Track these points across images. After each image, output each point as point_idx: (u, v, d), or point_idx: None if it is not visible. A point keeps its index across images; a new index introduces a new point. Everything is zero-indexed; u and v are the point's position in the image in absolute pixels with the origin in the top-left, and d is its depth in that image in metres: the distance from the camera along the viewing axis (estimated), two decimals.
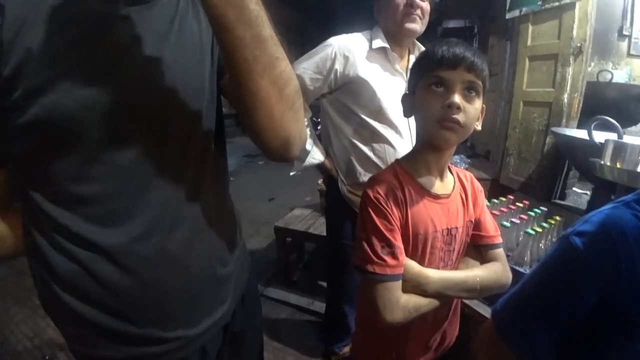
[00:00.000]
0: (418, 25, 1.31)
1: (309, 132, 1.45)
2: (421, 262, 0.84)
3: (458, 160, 2.93)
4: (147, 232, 0.63)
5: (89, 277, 0.61)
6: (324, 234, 1.94)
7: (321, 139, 1.60)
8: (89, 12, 0.55)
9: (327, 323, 2.09)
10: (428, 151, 0.84)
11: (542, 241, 1.14)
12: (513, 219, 1.14)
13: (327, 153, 1.54)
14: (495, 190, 2.46)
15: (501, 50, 3.60)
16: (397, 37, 1.36)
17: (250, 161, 7.28)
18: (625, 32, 2.42)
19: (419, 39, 1.46)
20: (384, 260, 0.77)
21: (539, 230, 1.08)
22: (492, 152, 3.33)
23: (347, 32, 1.43)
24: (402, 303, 0.78)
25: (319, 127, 1.69)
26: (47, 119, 0.53)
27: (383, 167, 1.35)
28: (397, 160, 0.90)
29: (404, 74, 1.39)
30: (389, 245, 0.78)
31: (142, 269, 0.64)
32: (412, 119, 0.89)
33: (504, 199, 1.37)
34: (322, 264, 2.28)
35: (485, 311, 1.07)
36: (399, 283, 0.79)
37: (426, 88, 0.78)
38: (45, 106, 0.52)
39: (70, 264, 0.61)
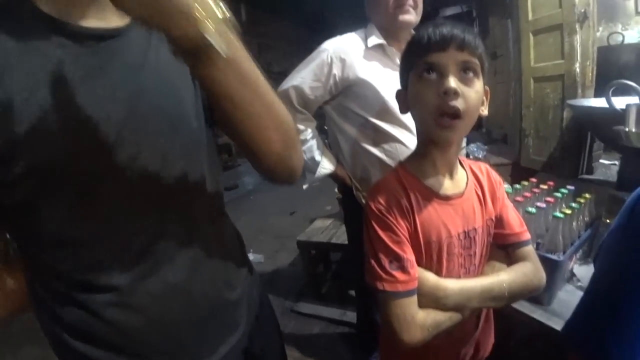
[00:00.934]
0: (412, 16, 1.26)
1: (316, 142, 1.43)
2: (438, 272, 0.76)
3: (475, 149, 2.84)
4: (150, 267, 0.62)
5: (96, 320, 0.60)
6: (347, 242, 1.89)
7: (330, 147, 1.56)
8: (60, 56, 0.53)
9: (360, 334, 2.03)
10: (432, 148, 0.75)
11: (574, 222, 1.06)
12: (539, 204, 1.06)
13: (337, 160, 1.51)
14: (517, 173, 2.37)
15: (503, 30, 3.51)
16: (392, 31, 1.31)
17: None
18: None
19: (417, 28, 1.40)
20: (394, 276, 0.70)
21: (568, 212, 1.00)
22: (509, 135, 3.22)
23: (344, 32, 1.39)
24: (419, 321, 0.70)
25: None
26: (35, 168, 0.51)
27: (388, 165, 1.31)
28: (400, 163, 0.82)
29: None
30: (397, 259, 0.71)
31: (149, 305, 0.63)
32: None
33: (526, 183, 1.29)
34: (351, 273, 2.23)
35: (530, 309, 0.98)
36: (414, 299, 0.71)
37: (418, 77, 0.70)
38: (30, 156, 0.50)
39: (77, 311, 0.60)
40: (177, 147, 0.64)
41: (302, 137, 1.37)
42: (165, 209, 0.63)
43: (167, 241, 0.63)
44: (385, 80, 1.30)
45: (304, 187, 1.56)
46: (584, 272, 1.09)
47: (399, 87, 1.30)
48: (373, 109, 1.30)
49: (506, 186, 2.04)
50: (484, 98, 0.74)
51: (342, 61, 1.30)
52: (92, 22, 0.57)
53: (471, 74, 0.68)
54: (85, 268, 0.59)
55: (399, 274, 0.70)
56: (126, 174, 0.58)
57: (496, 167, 2.76)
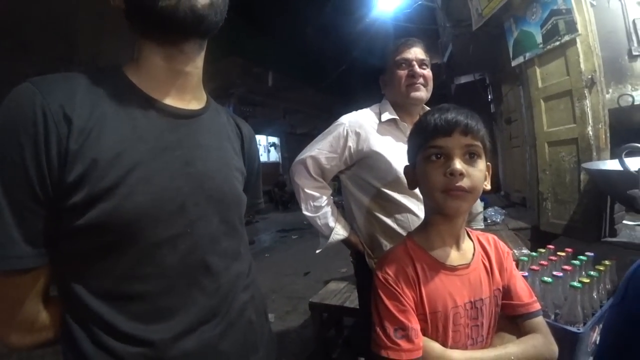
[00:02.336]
0: (423, 93, 1.33)
1: (330, 209, 1.46)
2: (444, 342, 0.74)
3: (493, 212, 2.78)
4: (189, 327, 0.64)
5: None
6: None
7: (345, 214, 1.58)
8: (146, 125, 0.62)
9: None
10: (439, 221, 0.78)
11: (595, 292, 1.00)
12: (555, 272, 1.01)
13: (351, 227, 1.52)
14: (537, 238, 2.28)
15: (516, 96, 3.60)
16: (405, 107, 1.39)
17: (284, 236, 7.29)
18: (635, 53, 2.37)
19: (433, 101, 1.47)
20: (398, 345, 0.70)
21: (587, 280, 0.94)
22: (527, 198, 3.16)
23: (365, 104, 1.48)
24: None
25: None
26: (105, 223, 0.56)
27: (400, 235, 1.30)
28: (408, 234, 0.85)
29: None
30: (402, 328, 0.71)
31: None
32: None
33: (543, 250, 1.24)
34: (361, 339, 2.10)
35: None
36: None
37: (426, 159, 0.75)
38: (105, 210, 0.55)
39: (109, 359, 0.60)
40: (226, 224, 0.71)
41: (317, 203, 1.43)
42: (209, 276, 0.67)
43: (208, 304, 0.66)
44: (397, 153, 1.34)
45: (317, 251, 1.56)
46: None
47: None
48: (385, 179, 1.34)
49: (525, 251, 1.97)
50: (487, 173, 0.78)
51: (357, 135, 1.36)
52: (174, 101, 0.67)
53: (475, 156, 0.73)
54: (130, 320, 0.60)
55: (403, 343, 0.70)
56: (180, 242, 0.63)
57: (515, 231, 2.67)
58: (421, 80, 1.32)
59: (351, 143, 1.36)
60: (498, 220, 2.62)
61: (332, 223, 1.44)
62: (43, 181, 0.54)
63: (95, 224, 0.55)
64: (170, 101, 0.67)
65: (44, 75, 0.58)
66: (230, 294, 0.71)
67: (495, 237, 0.88)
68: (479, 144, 0.73)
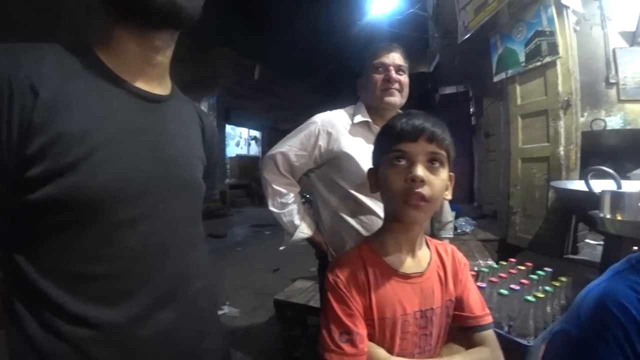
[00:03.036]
0: (397, 98, 1.33)
1: (297, 207, 1.45)
2: (390, 349, 0.74)
3: (464, 223, 2.83)
4: (145, 311, 0.63)
5: (78, 357, 0.58)
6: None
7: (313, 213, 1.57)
8: (116, 105, 0.62)
9: None
10: (396, 228, 0.78)
11: (548, 307, 1.02)
12: (513, 285, 1.02)
13: (317, 227, 1.51)
14: (504, 250, 2.34)
15: (496, 111, 3.68)
16: (378, 111, 1.39)
17: (258, 231, 7.22)
18: (611, 80, 2.47)
19: (416, 108, 1.46)
20: (342, 349, 0.70)
21: (541, 295, 0.96)
22: (499, 211, 3.23)
23: (349, 104, 1.48)
24: None
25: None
26: (66, 199, 0.54)
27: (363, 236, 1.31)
28: (365, 239, 0.85)
29: None
30: (347, 332, 0.71)
31: (137, 348, 0.62)
32: None
33: (504, 263, 1.26)
34: None
35: None
36: None
37: (388, 162, 0.75)
38: (65, 186, 0.54)
39: (60, 343, 0.57)
40: (187, 210, 0.72)
41: (283, 200, 1.42)
42: (167, 260, 0.67)
43: (164, 289, 0.66)
44: (367, 155, 1.32)
45: (281, 248, 1.54)
46: None
47: None
48: (354, 181, 1.35)
49: (490, 262, 2.01)
50: (449, 183, 0.78)
51: (329, 134, 1.36)
52: (142, 85, 0.67)
53: (437, 164, 0.73)
54: (83, 302, 0.58)
55: (347, 347, 0.70)
56: (141, 225, 0.63)
57: (483, 242, 2.73)
58: (396, 85, 1.32)
59: (322, 142, 1.36)
60: (468, 230, 2.67)
61: (297, 221, 1.44)
62: (0, 151, 0.52)
63: (53, 200, 0.54)
64: (140, 84, 0.67)
65: (14, 44, 0.56)
66: (186, 280, 0.71)
67: (454, 248, 0.88)
68: (443, 152, 0.73)
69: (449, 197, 0.78)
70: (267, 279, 4.26)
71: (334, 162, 1.37)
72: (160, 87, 0.72)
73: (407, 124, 0.73)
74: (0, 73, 0.51)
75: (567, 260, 1.88)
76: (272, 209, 1.41)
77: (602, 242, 1.96)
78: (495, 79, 2.65)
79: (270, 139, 12.69)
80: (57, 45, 0.61)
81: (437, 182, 0.72)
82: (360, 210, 1.34)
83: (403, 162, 0.72)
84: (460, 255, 0.86)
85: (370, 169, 0.84)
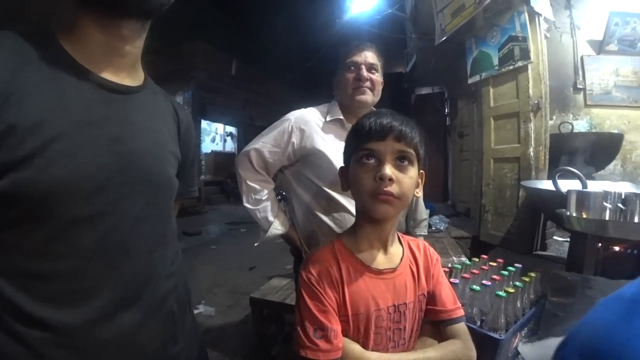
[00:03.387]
0: (368, 97, 1.35)
1: (270, 203, 1.45)
2: (365, 344, 0.75)
3: (438, 220, 2.89)
4: (105, 313, 0.60)
5: (37, 359, 0.55)
6: None
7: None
8: (75, 96, 0.58)
9: None
10: (367, 224, 0.79)
11: (518, 301, 1.06)
12: (485, 281, 1.06)
13: (291, 223, 1.51)
14: (476, 247, 2.41)
15: (470, 112, 3.78)
16: (351, 109, 1.40)
17: (233, 229, 7.13)
18: (579, 86, 2.60)
19: (392, 108, 1.48)
20: (317, 345, 0.70)
21: (511, 290, 0.99)
22: (471, 209, 3.33)
23: (325, 102, 1.48)
24: None
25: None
26: (18, 194, 0.52)
27: (335, 232, 1.31)
28: (338, 235, 0.85)
29: None
30: (321, 328, 0.71)
31: (96, 352, 0.59)
32: None
33: (477, 260, 1.30)
34: None
35: None
36: None
37: (358, 161, 0.76)
38: (18, 181, 0.51)
39: (16, 345, 0.55)
40: (153, 207, 0.68)
41: (258, 196, 1.42)
42: (129, 259, 0.64)
43: (126, 290, 0.63)
44: (339, 153, 1.34)
45: (255, 244, 1.54)
46: (529, 350, 1.06)
47: None
48: (327, 178, 1.35)
49: (463, 259, 2.06)
50: (419, 181, 0.80)
51: (302, 131, 1.37)
52: (108, 75, 0.63)
53: (406, 162, 0.74)
54: (38, 302, 0.55)
55: (322, 343, 0.70)
56: (99, 222, 0.59)
57: (457, 239, 2.81)
58: (368, 84, 1.33)
59: (295, 139, 1.37)
60: (442, 228, 2.73)
61: (271, 217, 1.44)
62: None
63: (6, 194, 0.51)
64: (105, 74, 0.63)
65: None
66: (152, 280, 0.68)
67: (426, 243, 0.90)
68: (411, 151, 0.74)
69: (420, 194, 0.79)
70: (242, 277, 4.22)
71: (306, 159, 1.38)
72: (130, 79, 0.68)
73: (376, 123, 0.74)
74: None
75: (536, 257, 1.96)
76: (246, 205, 1.40)
77: (568, 239, 2.06)
78: (470, 80, 2.72)
79: (246, 135, 12.53)
80: (12, 32, 0.57)
81: (406, 180, 0.73)
82: (333, 207, 1.36)
83: (372, 161, 0.73)
84: (432, 251, 0.88)
85: (341, 167, 0.85)
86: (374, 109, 1.41)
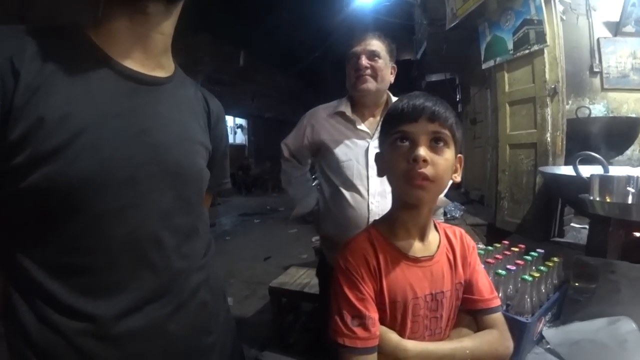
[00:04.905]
0: (370, 84, 1.35)
1: (300, 185, 1.62)
2: (402, 332, 0.75)
3: (452, 208, 2.89)
4: (135, 305, 0.61)
5: (70, 349, 0.57)
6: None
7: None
8: (100, 88, 0.58)
9: None
10: (404, 211, 0.77)
11: (543, 285, 1.06)
12: (509, 266, 1.06)
13: (317, 204, 1.62)
14: (492, 234, 2.41)
15: (483, 98, 3.73)
16: (357, 99, 1.43)
17: (246, 219, 7.22)
18: (595, 69, 2.55)
19: (405, 92, 1.50)
20: (354, 332, 0.70)
21: (537, 275, 1.00)
22: (485, 196, 3.31)
23: (336, 94, 1.55)
24: None
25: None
26: (48, 188, 0.52)
27: (341, 222, 1.38)
28: (373, 223, 0.84)
29: (371, 132, 1.43)
30: (359, 316, 0.71)
31: (127, 342, 0.61)
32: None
33: (498, 245, 1.30)
34: (321, 325, 2.14)
35: None
36: (373, 357, 0.70)
37: (391, 145, 0.74)
38: (48, 175, 0.51)
39: (53, 335, 0.57)
40: (182, 200, 0.68)
41: (290, 178, 1.62)
42: (159, 252, 0.64)
43: (157, 282, 0.64)
44: (342, 144, 1.43)
45: (290, 219, 1.77)
46: (553, 334, 1.07)
47: (356, 150, 1.43)
48: (331, 168, 1.44)
49: (481, 246, 2.06)
50: (458, 165, 0.78)
51: (312, 126, 1.48)
52: (136, 66, 0.63)
53: (441, 144, 0.71)
54: (73, 293, 0.57)
55: (359, 331, 0.70)
56: (128, 215, 0.60)
57: (473, 226, 2.80)
58: (368, 71, 1.35)
59: (307, 134, 1.49)
60: (457, 215, 2.73)
61: (299, 196, 1.62)
62: None
63: (37, 189, 0.52)
64: (132, 65, 0.62)
65: None
66: (183, 273, 0.68)
67: (462, 231, 0.88)
68: (446, 132, 0.71)
69: (458, 179, 0.78)
70: (256, 268, 4.28)
71: (320, 151, 1.48)
72: (161, 69, 0.68)
73: (408, 105, 0.72)
74: None
75: (554, 243, 1.94)
76: (283, 185, 1.62)
77: (586, 226, 2.04)
78: (484, 66, 2.68)
79: (255, 126, 12.58)
80: (42, 26, 0.58)
81: (441, 162, 0.70)
82: (336, 194, 1.43)
83: (405, 143, 0.71)
84: (468, 239, 0.87)
85: (377, 154, 0.83)
86: (388, 93, 1.44)
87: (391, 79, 1.42)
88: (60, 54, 0.56)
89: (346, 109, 1.42)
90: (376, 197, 1.35)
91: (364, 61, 1.34)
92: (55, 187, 0.52)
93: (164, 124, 0.65)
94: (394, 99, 1.43)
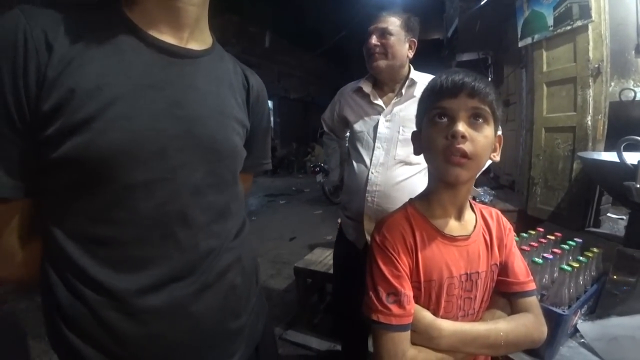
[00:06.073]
0: (381, 62, 1.39)
1: (334, 156, 1.89)
2: (436, 311, 0.75)
3: (482, 192, 2.81)
4: (158, 282, 0.61)
5: (96, 321, 0.59)
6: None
7: None
8: (134, 59, 0.59)
9: None
10: (441, 189, 0.77)
11: (581, 277, 1.03)
12: (545, 254, 1.03)
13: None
14: (522, 221, 2.33)
15: (517, 79, 3.56)
16: (376, 78, 1.50)
17: (272, 200, 7.33)
18: None
19: (434, 73, 1.52)
20: (389, 309, 0.71)
21: (576, 265, 0.96)
22: (516, 182, 3.20)
23: (361, 74, 1.60)
24: (409, 357, 0.70)
25: None
26: (79, 158, 0.53)
27: (346, 190, 1.53)
28: (410, 200, 0.84)
29: (385, 106, 1.46)
30: (395, 293, 0.71)
31: (150, 320, 0.61)
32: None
33: (533, 232, 1.26)
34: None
35: None
36: (407, 334, 0.71)
37: (430, 121, 0.73)
38: (79, 145, 0.53)
39: (81, 307, 0.59)
40: (214, 176, 0.67)
41: (328, 150, 1.91)
42: (187, 229, 0.64)
43: (182, 260, 0.63)
44: (358, 117, 1.52)
45: (326, 189, 2.20)
46: (588, 328, 1.04)
47: (369, 123, 1.47)
48: (351, 139, 1.56)
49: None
50: (497, 144, 0.76)
51: (339, 102, 1.62)
52: (169, 38, 0.63)
53: (480, 120, 0.70)
54: (100, 266, 0.59)
55: (394, 308, 0.70)
56: (157, 189, 0.60)
57: (502, 213, 2.72)
58: (378, 49, 1.39)
59: (336, 109, 1.63)
60: (486, 200, 2.66)
61: (332, 166, 1.92)
62: (20, 108, 0.52)
63: (69, 159, 0.53)
64: (166, 38, 0.63)
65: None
66: (212, 253, 0.67)
67: (499, 212, 0.87)
68: (486, 108, 0.70)
69: (497, 158, 0.76)
70: (282, 248, 4.36)
71: (347, 125, 1.60)
72: (195, 42, 0.68)
73: (447, 80, 0.70)
74: (17, 30, 0.51)
75: (589, 233, 1.87)
76: (324, 155, 1.92)
77: (624, 217, 1.94)
78: (520, 44, 2.54)
79: (281, 107, 12.58)
80: (79, 1, 0.60)
81: (481, 139, 0.69)
82: (350, 164, 1.54)
83: (444, 120, 0.71)
84: (505, 220, 0.86)
85: (414, 132, 0.83)
86: (412, 72, 1.47)
87: (409, 53, 1.44)
88: (95, 27, 0.57)
89: (364, 84, 1.50)
90: (378, 167, 1.40)
91: (374, 40, 1.39)
92: (86, 157, 0.54)
93: (199, 98, 0.65)
94: (415, 73, 1.46)
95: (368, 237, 1.38)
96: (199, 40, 0.69)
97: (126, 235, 0.59)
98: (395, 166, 1.39)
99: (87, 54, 0.55)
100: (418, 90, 1.38)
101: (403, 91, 1.43)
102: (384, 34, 1.38)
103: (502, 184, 3.58)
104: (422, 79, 1.42)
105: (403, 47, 1.40)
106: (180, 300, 0.63)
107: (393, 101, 1.44)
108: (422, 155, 1.39)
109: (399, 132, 1.39)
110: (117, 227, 0.58)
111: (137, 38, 0.60)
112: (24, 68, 0.51)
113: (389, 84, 1.48)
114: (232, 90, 0.74)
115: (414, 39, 1.43)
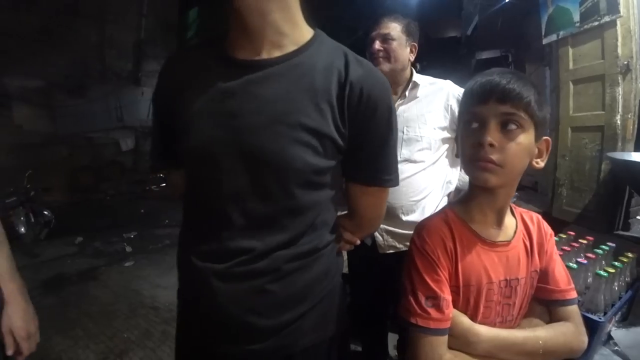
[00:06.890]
0: (383, 66, 1.42)
1: None
2: (473, 317, 0.74)
3: None
4: (208, 252, 0.74)
5: (196, 287, 0.77)
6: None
7: None
8: (214, 81, 0.71)
9: None
10: (479, 193, 0.75)
11: (616, 283, 0.99)
12: (579, 259, 0.99)
13: None
14: (547, 224, 2.26)
15: (540, 77, 3.46)
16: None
17: None
18: None
19: (448, 76, 1.57)
20: (428, 313, 0.70)
21: (612, 270, 0.93)
22: (539, 183, 3.12)
23: None
24: None
25: None
26: (188, 148, 0.72)
27: None
28: (449, 204, 0.84)
29: None
30: (434, 297, 0.71)
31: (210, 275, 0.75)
32: None
33: (564, 236, 1.22)
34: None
35: None
36: (444, 339, 0.70)
37: (464, 126, 0.73)
38: (187, 139, 0.71)
39: (192, 273, 0.76)
40: (258, 186, 0.69)
41: None
42: (228, 230, 0.72)
43: (222, 249, 0.73)
44: None
45: None
46: (622, 335, 1.00)
47: None
48: None
49: None
50: (543, 149, 0.73)
51: None
52: (245, 53, 0.71)
53: (514, 127, 0.67)
54: (197, 238, 0.77)
55: (433, 312, 0.70)
56: (203, 188, 0.76)
57: None
58: (381, 54, 1.43)
59: None
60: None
61: None
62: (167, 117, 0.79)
63: (184, 147, 0.74)
64: (240, 54, 0.71)
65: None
66: (247, 254, 0.72)
67: (540, 217, 0.84)
68: (520, 113, 0.66)
69: (541, 164, 0.73)
70: None
71: None
72: (271, 48, 0.70)
73: (477, 84, 0.69)
74: (158, 83, 0.81)
75: (617, 237, 1.80)
76: None
77: None
78: (545, 41, 2.47)
79: None
80: (202, 39, 0.85)
81: (512, 146, 0.66)
82: None
83: (475, 126, 0.69)
84: (546, 225, 0.83)
85: (456, 135, 0.84)
86: (415, 75, 1.48)
87: (410, 57, 1.48)
88: (201, 60, 0.75)
89: None
90: None
91: (377, 45, 1.42)
92: (192, 147, 0.71)
93: (255, 107, 0.68)
94: (417, 76, 1.50)
95: (377, 235, 1.42)
96: (276, 46, 0.70)
97: (201, 215, 0.77)
98: (399, 164, 1.40)
99: (189, 83, 0.73)
100: (420, 92, 1.46)
101: (407, 93, 1.48)
102: (386, 39, 1.42)
103: (524, 184, 3.49)
104: (423, 81, 1.47)
105: (405, 51, 1.45)
106: (212, 277, 0.72)
107: (397, 103, 1.47)
108: (424, 153, 1.39)
109: (403, 132, 1.41)
110: (198, 210, 0.78)
111: (222, 63, 0.72)
112: (164, 105, 0.82)
113: (392, 86, 1.49)
114: (314, 93, 0.69)
115: (414, 43, 1.48)
